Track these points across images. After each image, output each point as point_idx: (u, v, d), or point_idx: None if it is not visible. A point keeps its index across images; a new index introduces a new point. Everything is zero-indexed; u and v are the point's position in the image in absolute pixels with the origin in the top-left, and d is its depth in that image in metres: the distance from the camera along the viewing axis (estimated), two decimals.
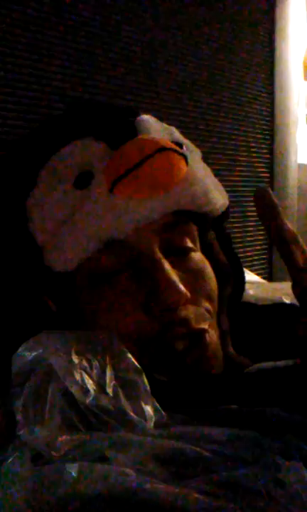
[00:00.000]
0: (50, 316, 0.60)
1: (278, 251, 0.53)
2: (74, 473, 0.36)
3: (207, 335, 0.57)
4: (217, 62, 1.32)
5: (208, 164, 0.65)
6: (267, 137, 1.53)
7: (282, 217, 0.52)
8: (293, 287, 0.52)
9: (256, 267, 1.48)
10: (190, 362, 0.56)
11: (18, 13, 0.86)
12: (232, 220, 1.35)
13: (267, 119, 1.53)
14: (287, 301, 0.82)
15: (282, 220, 0.52)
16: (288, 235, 0.52)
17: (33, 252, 0.57)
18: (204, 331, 0.57)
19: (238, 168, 1.39)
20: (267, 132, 1.53)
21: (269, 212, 0.52)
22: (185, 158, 0.57)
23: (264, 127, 1.52)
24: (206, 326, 0.57)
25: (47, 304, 0.60)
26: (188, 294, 0.55)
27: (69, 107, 0.67)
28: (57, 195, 0.56)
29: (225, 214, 0.65)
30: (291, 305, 0.76)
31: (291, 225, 0.53)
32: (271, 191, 0.53)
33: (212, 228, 0.67)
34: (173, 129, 0.65)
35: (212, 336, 0.59)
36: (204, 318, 0.58)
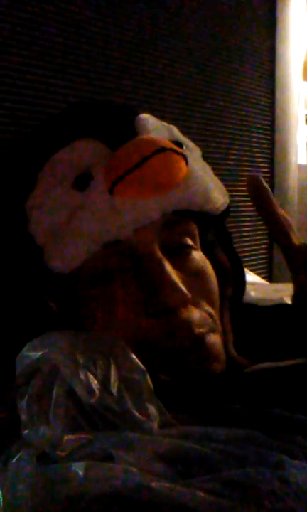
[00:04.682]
0: (52, 317, 0.60)
1: (272, 234, 0.58)
2: (81, 472, 0.36)
3: (208, 338, 0.57)
4: (218, 63, 1.32)
5: (208, 164, 0.65)
6: (267, 138, 1.53)
7: (275, 203, 0.55)
8: (288, 264, 0.55)
9: (256, 268, 1.48)
10: (193, 364, 0.56)
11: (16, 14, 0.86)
12: (232, 220, 1.35)
13: (267, 119, 1.53)
14: (288, 301, 0.82)
15: (275, 205, 0.56)
16: (282, 218, 0.56)
17: (33, 253, 0.57)
18: (205, 335, 0.57)
19: (238, 169, 1.39)
20: (267, 133, 1.53)
21: (262, 198, 0.56)
22: (185, 157, 0.57)
23: (264, 128, 1.52)
24: (207, 330, 0.57)
25: (48, 305, 0.60)
26: (189, 295, 0.55)
27: (68, 106, 0.67)
28: (56, 197, 0.56)
29: (226, 213, 0.65)
30: (291, 305, 0.77)
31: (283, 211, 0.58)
32: (262, 179, 0.55)
33: (213, 227, 0.67)
34: (173, 127, 0.65)
35: (214, 338, 0.59)
36: (205, 321, 0.58)
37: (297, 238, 0.56)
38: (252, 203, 0.56)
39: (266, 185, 0.56)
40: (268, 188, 0.56)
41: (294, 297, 0.57)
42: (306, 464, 0.40)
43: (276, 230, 0.56)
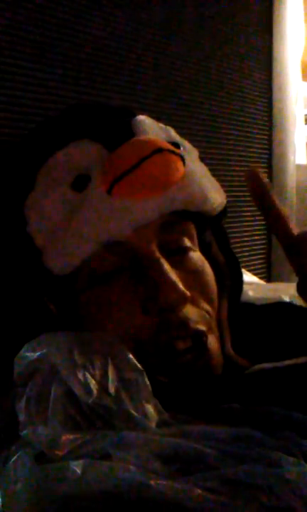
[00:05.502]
0: (51, 318, 0.60)
1: (270, 227, 0.56)
2: (78, 471, 0.36)
3: (207, 340, 0.57)
4: (215, 63, 1.32)
5: (205, 165, 0.65)
6: (265, 138, 1.53)
7: (273, 195, 0.55)
8: (288, 255, 0.55)
9: (254, 268, 1.48)
10: (193, 368, 0.56)
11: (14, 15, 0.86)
12: (229, 220, 1.35)
13: (265, 119, 1.53)
14: (286, 299, 0.82)
15: (273, 197, 0.55)
16: (280, 210, 0.55)
17: (32, 254, 0.57)
18: (203, 333, 0.57)
19: (236, 169, 1.39)
20: (265, 133, 1.53)
21: (261, 191, 0.55)
22: (182, 158, 0.57)
23: (262, 128, 1.52)
24: (205, 328, 0.58)
25: (47, 305, 0.60)
26: (188, 294, 0.55)
27: (66, 108, 0.67)
28: (54, 198, 0.56)
29: (223, 213, 0.66)
30: (289, 304, 0.77)
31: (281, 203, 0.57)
32: (260, 172, 0.55)
33: (210, 227, 0.67)
34: (170, 129, 0.65)
35: (212, 339, 0.59)
36: (203, 319, 0.58)
37: (295, 229, 0.56)
38: (251, 195, 0.56)
39: (263, 178, 0.56)
40: (267, 181, 0.56)
41: (298, 288, 0.56)
42: (303, 462, 0.40)
43: (275, 221, 0.55)
